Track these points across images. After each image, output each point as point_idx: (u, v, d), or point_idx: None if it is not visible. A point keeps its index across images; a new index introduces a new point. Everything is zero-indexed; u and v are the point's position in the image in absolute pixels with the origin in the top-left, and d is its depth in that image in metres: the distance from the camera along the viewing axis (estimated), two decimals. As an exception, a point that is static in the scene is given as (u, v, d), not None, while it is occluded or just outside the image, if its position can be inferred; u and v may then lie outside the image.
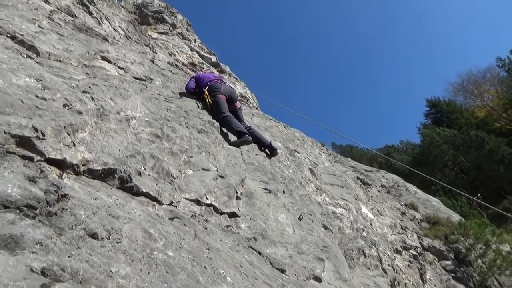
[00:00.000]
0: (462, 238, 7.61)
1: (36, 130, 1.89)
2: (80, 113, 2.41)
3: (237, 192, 3.29)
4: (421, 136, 30.52)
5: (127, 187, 2.26)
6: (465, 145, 24.67)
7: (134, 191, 2.28)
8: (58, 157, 1.93)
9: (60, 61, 3.18)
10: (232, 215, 2.97)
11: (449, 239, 7.71)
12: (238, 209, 3.08)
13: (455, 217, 9.50)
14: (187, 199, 2.68)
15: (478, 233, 7.49)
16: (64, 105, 2.37)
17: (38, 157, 1.81)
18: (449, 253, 7.24)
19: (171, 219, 2.26)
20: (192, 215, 2.52)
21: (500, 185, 22.62)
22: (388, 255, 5.51)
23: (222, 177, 3.30)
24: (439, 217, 8.84)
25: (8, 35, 2.93)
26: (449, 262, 7.02)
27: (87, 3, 6.68)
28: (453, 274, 6.70)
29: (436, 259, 6.96)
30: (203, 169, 3.19)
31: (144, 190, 2.34)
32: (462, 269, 7.00)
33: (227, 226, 2.78)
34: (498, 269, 6.87)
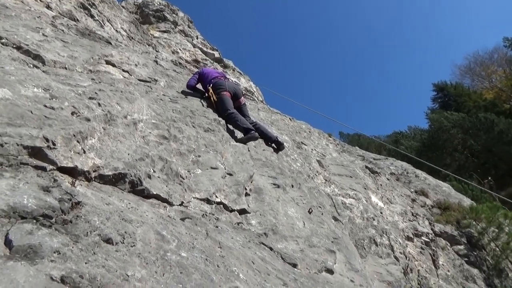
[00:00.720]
0: (474, 222, 7.56)
1: (47, 140, 1.94)
2: (88, 120, 2.46)
3: (246, 189, 3.33)
4: (429, 121, 30.20)
5: (138, 190, 2.31)
6: (474, 128, 24.36)
7: (145, 194, 2.33)
8: (70, 165, 1.98)
9: (65, 68, 3.23)
10: (242, 211, 3.01)
11: (461, 224, 7.66)
12: (248, 206, 3.12)
13: (467, 202, 9.44)
14: (197, 198, 2.73)
15: (490, 217, 7.44)
16: (73, 113, 2.42)
17: (51, 167, 1.86)
18: (461, 238, 7.20)
19: (183, 219, 2.31)
20: (203, 214, 2.56)
21: (511, 166, 22.38)
22: (400, 242, 5.52)
23: (230, 174, 3.34)
24: (450, 202, 8.79)
25: (14, 46, 2.98)
26: (461, 247, 6.99)
27: (88, 6, 6.73)
28: (466, 259, 6.67)
29: (449, 244, 6.93)
30: (211, 168, 3.23)
31: (155, 192, 2.39)
32: (475, 253, 6.97)
33: (238, 223, 2.82)
34: (512, 251, 6.85)
